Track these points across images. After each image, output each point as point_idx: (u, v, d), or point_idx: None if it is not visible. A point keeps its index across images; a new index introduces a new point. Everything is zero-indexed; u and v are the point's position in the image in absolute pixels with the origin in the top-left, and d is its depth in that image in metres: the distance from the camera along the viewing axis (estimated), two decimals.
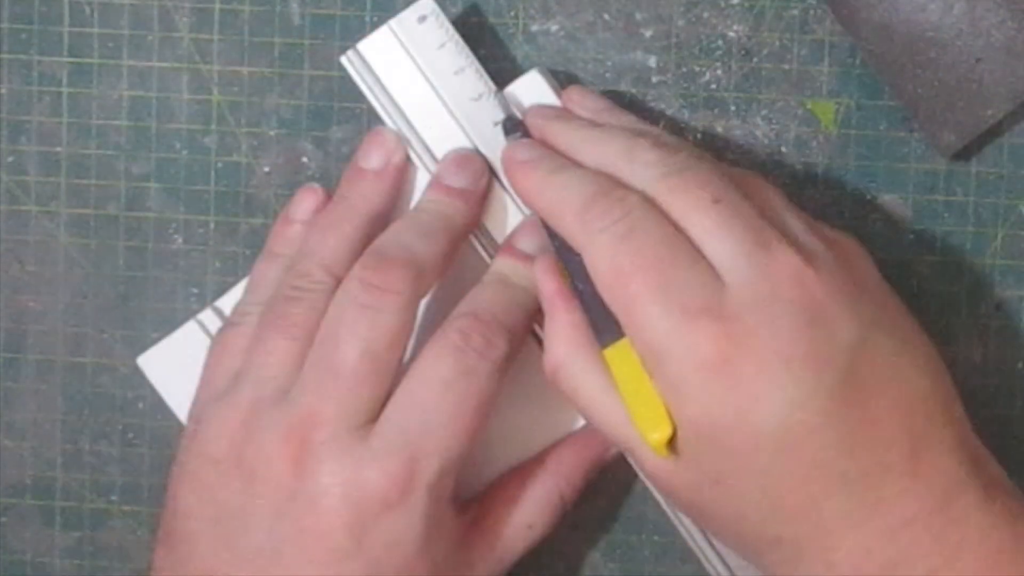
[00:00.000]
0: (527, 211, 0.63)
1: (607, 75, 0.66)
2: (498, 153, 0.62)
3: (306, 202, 0.64)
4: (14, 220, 0.67)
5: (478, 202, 0.62)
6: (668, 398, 0.55)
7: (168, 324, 0.66)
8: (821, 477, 0.54)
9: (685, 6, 0.65)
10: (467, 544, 0.62)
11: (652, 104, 0.66)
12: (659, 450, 0.56)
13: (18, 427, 0.68)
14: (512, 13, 0.66)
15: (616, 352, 0.57)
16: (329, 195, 0.64)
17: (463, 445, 0.58)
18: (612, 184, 0.58)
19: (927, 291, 0.65)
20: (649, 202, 0.57)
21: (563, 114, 0.62)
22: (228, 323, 0.63)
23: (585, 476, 0.64)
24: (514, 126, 0.62)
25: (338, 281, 0.59)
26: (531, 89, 0.63)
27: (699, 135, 0.66)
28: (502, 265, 0.62)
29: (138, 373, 0.66)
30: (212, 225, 0.67)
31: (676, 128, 0.65)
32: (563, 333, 0.59)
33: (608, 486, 0.66)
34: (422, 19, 0.62)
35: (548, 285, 0.60)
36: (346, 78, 0.63)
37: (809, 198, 0.65)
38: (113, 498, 0.68)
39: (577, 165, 0.59)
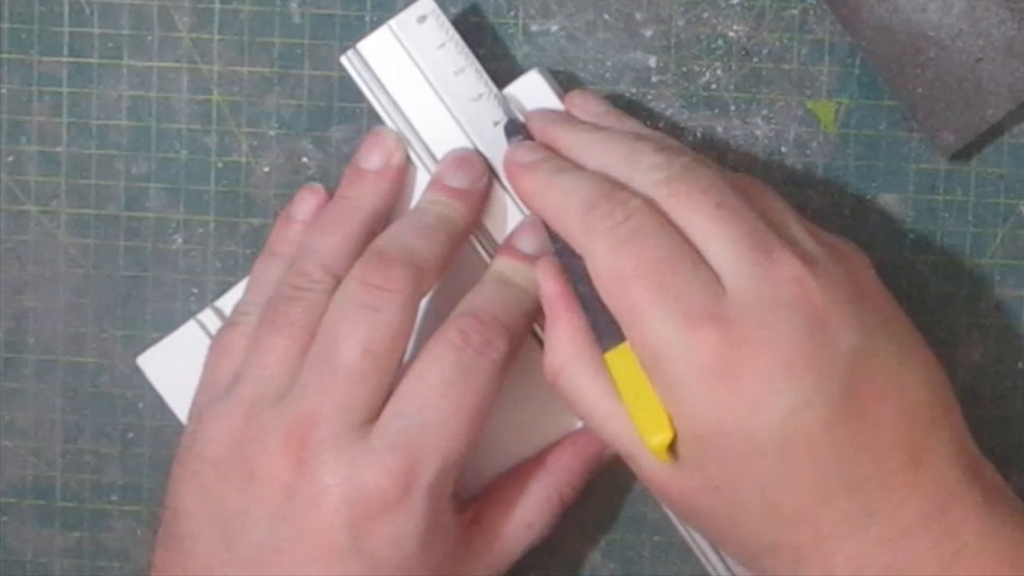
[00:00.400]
0: (527, 211, 0.62)
1: (607, 75, 0.66)
2: (498, 153, 0.62)
3: (307, 202, 0.64)
4: (14, 220, 0.67)
5: (478, 202, 0.62)
6: (669, 403, 0.55)
7: (168, 324, 0.66)
8: (820, 484, 0.54)
9: (685, 6, 0.65)
10: (467, 543, 0.62)
11: (652, 104, 0.66)
12: (660, 455, 0.56)
13: (18, 427, 0.68)
14: (512, 13, 0.66)
15: (617, 356, 0.57)
16: (330, 195, 0.64)
17: (463, 444, 0.58)
18: (614, 187, 0.57)
19: (927, 291, 0.65)
20: (651, 206, 0.57)
21: (565, 117, 0.62)
22: (228, 323, 0.63)
23: (585, 475, 0.64)
24: (516, 129, 0.62)
25: (338, 281, 0.59)
26: (531, 89, 0.63)
27: (699, 135, 0.66)
28: (502, 265, 0.62)
29: (138, 373, 0.66)
30: (212, 225, 0.67)
31: (676, 128, 0.65)
32: (564, 336, 0.59)
33: (608, 486, 0.66)
34: (422, 19, 0.62)
35: (550, 288, 0.60)
36: (346, 78, 0.63)
37: (809, 198, 0.65)
38: (113, 498, 0.68)
39: (579, 168, 0.59)
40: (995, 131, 0.64)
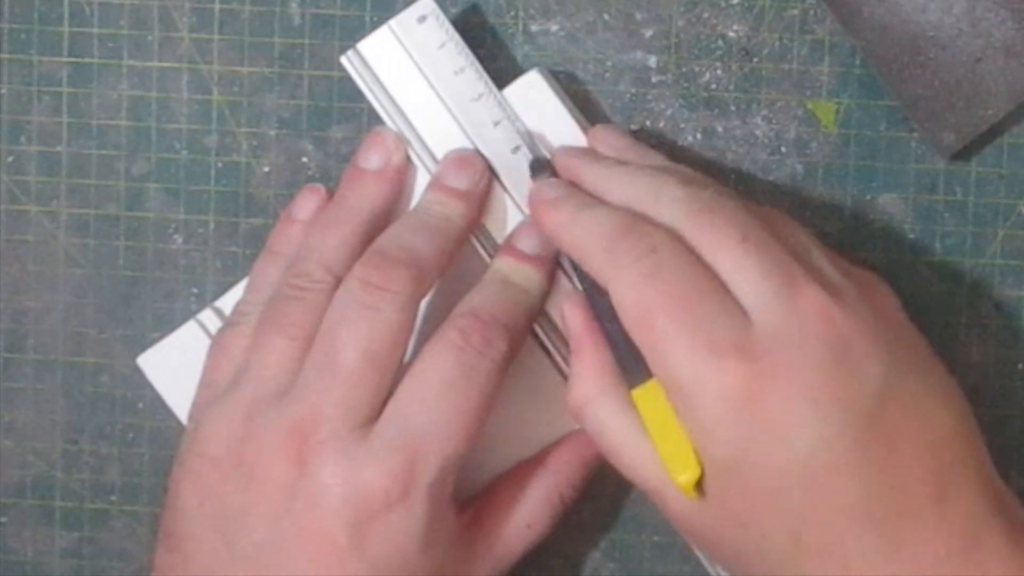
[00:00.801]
0: (527, 211, 0.62)
1: (607, 75, 0.66)
2: (498, 153, 0.62)
3: (308, 202, 0.64)
4: (14, 220, 0.67)
5: (478, 203, 0.62)
6: (695, 436, 0.55)
7: (168, 324, 0.66)
8: (846, 517, 0.54)
9: (685, 6, 0.65)
10: (467, 543, 0.62)
11: (652, 104, 0.66)
12: (687, 492, 0.56)
13: (18, 427, 0.68)
14: (512, 13, 0.66)
15: (644, 393, 0.57)
16: (330, 195, 0.64)
17: (463, 444, 0.58)
18: (638, 220, 0.57)
19: (927, 291, 0.65)
20: (676, 238, 0.57)
21: (589, 153, 0.62)
22: (228, 323, 0.63)
23: (585, 475, 0.64)
24: (541, 166, 0.62)
25: (338, 280, 0.59)
26: (531, 89, 0.63)
27: (699, 135, 0.66)
28: (502, 265, 0.62)
29: (138, 373, 0.66)
30: (212, 225, 0.67)
31: (676, 128, 0.65)
32: (590, 372, 0.59)
33: (608, 486, 0.66)
34: (422, 19, 0.62)
35: (576, 323, 0.60)
36: (346, 78, 0.63)
37: (809, 198, 0.65)
38: (113, 498, 0.68)
39: (603, 203, 0.59)
40: (995, 131, 0.64)
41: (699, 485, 0.56)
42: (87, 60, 0.66)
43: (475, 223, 0.62)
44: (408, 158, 0.63)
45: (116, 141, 0.67)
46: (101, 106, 0.67)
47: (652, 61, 0.66)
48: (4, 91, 0.67)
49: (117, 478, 0.68)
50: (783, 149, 0.66)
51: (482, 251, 0.63)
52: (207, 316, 0.65)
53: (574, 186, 0.61)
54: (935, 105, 0.63)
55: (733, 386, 0.54)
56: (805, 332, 0.55)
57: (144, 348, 0.65)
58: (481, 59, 0.63)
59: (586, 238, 0.58)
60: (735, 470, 0.55)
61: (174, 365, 0.65)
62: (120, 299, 0.67)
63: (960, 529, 0.54)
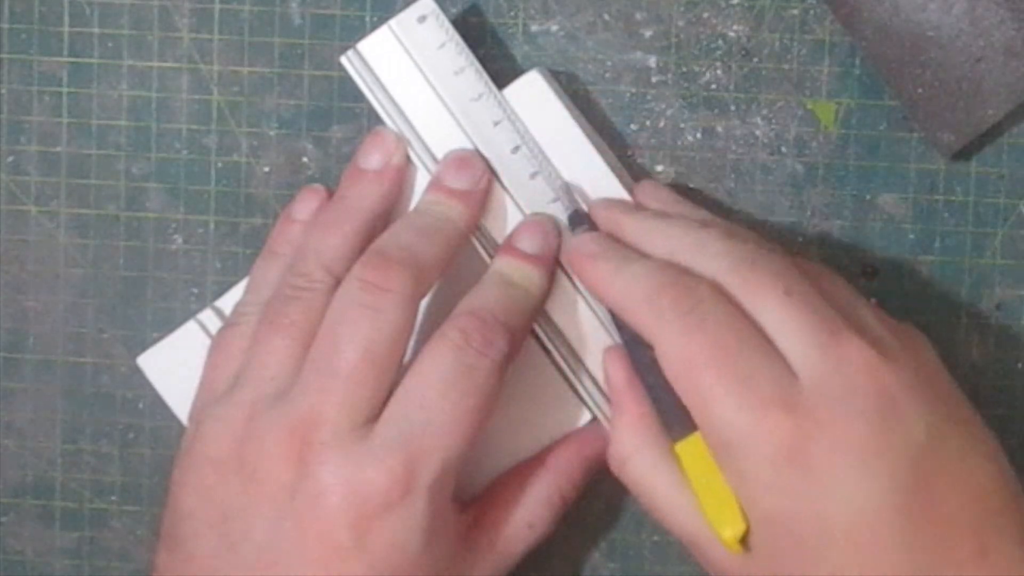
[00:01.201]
0: (528, 211, 0.62)
1: (607, 75, 0.66)
2: (498, 153, 0.62)
3: (308, 202, 0.64)
4: (14, 220, 0.67)
5: (478, 203, 0.62)
6: (740, 491, 0.56)
7: (168, 324, 0.66)
8: (891, 572, 0.54)
9: (685, 6, 0.65)
10: (468, 543, 0.62)
11: (652, 104, 0.66)
12: (732, 547, 0.56)
13: (18, 427, 0.68)
14: (512, 13, 0.66)
15: (688, 447, 0.58)
16: (330, 195, 0.64)
17: (464, 444, 0.58)
18: (681, 273, 0.58)
19: (927, 291, 0.65)
20: (719, 291, 0.57)
21: (629, 205, 0.63)
22: (228, 323, 0.63)
23: (585, 475, 0.64)
24: (580, 219, 0.62)
25: (338, 281, 0.59)
26: (531, 89, 0.63)
27: (699, 135, 0.66)
28: (502, 264, 0.62)
29: (138, 373, 0.65)
30: (212, 225, 0.67)
31: (676, 128, 0.65)
32: (631, 425, 0.59)
33: (608, 486, 0.66)
34: (422, 19, 0.62)
35: (617, 376, 0.60)
36: (346, 78, 0.63)
37: (809, 198, 0.65)
38: (113, 498, 0.68)
39: (645, 256, 0.59)
40: (995, 131, 0.64)
41: (744, 539, 0.56)
42: (87, 60, 0.66)
43: (475, 223, 0.62)
44: (408, 158, 0.63)
45: (116, 141, 0.67)
46: (101, 106, 0.67)
47: (652, 61, 0.66)
48: (4, 91, 0.67)
49: (117, 478, 0.68)
50: (783, 149, 0.66)
51: (482, 251, 0.63)
52: (207, 316, 0.65)
53: (614, 239, 0.61)
54: (935, 105, 0.63)
55: (779, 441, 0.54)
56: (850, 386, 0.55)
57: (144, 348, 0.65)
58: (481, 59, 0.63)
59: (629, 292, 0.58)
60: (780, 524, 0.55)
61: (174, 365, 0.65)
62: (120, 299, 0.67)
63: None
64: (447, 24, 0.62)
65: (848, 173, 0.65)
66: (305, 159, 0.66)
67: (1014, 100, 0.63)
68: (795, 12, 0.65)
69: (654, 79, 0.66)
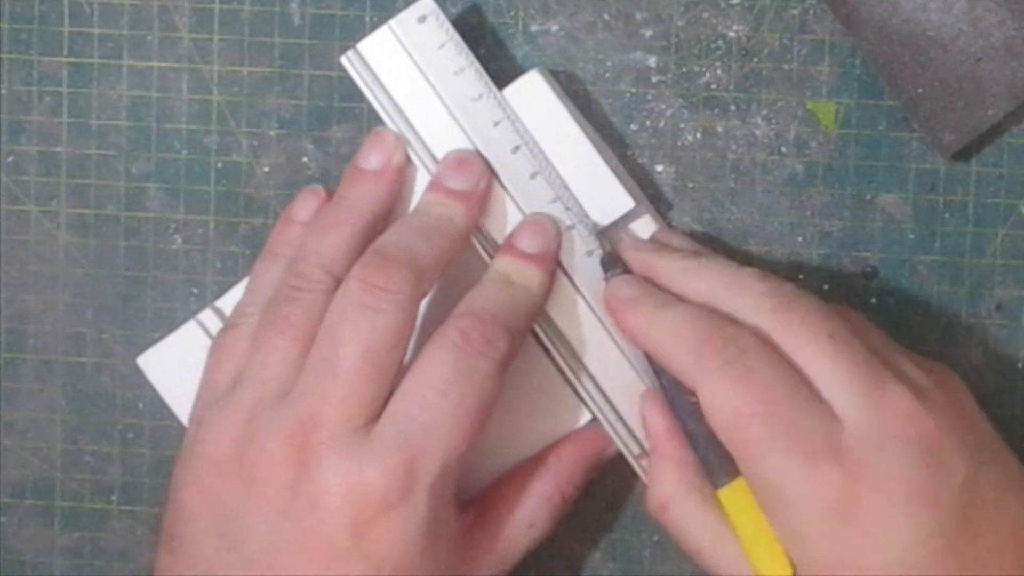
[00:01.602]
0: (527, 211, 0.62)
1: (607, 75, 0.66)
2: (498, 153, 0.62)
3: (308, 203, 0.64)
4: (14, 220, 0.67)
5: (478, 204, 0.62)
6: (787, 539, 0.56)
7: (168, 324, 0.66)
8: None
9: (685, 6, 0.65)
10: (468, 543, 0.62)
11: (652, 104, 0.66)
12: None
13: (18, 427, 0.68)
14: (512, 13, 0.66)
15: (731, 493, 0.58)
16: (330, 196, 0.64)
17: (464, 444, 0.58)
18: (724, 321, 0.58)
19: (927, 291, 0.65)
20: (762, 340, 0.57)
21: (660, 246, 0.63)
22: (228, 324, 0.63)
23: (586, 474, 0.64)
24: (612, 263, 0.62)
25: (337, 281, 0.59)
26: (531, 89, 0.63)
27: (699, 135, 0.66)
28: (502, 264, 0.62)
29: (138, 373, 0.65)
30: (212, 225, 0.67)
31: (676, 128, 0.65)
32: (672, 472, 0.60)
33: (608, 486, 0.66)
34: (422, 19, 0.62)
35: (657, 423, 0.60)
36: (346, 78, 0.63)
37: (809, 198, 0.65)
38: (113, 498, 0.68)
39: (683, 301, 0.59)
40: (995, 131, 0.64)
41: None
42: (87, 60, 0.66)
43: (475, 223, 0.62)
44: (408, 158, 0.63)
45: (116, 141, 0.67)
46: (101, 106, 0.67)
47: (652, 61, 0.66)
48: (4, 91, 0.67)
49: (117, 478, 0.68)
50: (783, 149, 0.66)
51: (482, 251, 0.63)
52: (207, 316, 0.65)
53: (648, 282, 0.61)
54: (935, 105, 0.63)
55: (828, 490, 0.55)
56: (895, 434, 0.55)
57: (144, 348, 0.65)
58: (481, 59, 0.63)
59: (671, 339, 0.58)
60: (829, 571, 0.55)
61: (174, 365, 0.65)
62: (120, 299, 0.67)
63: None
64: (447, 24, 0.62)
65: (848, 173, 0.65)
66: (305, 159, 0.66)
67: (1014, 100, 0.63)
68: (795, 12, 0.65)
69: (654, 79, 0.66)
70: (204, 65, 0.66)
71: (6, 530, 0.68)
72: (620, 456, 0.63)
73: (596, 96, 0.66)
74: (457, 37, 0.63)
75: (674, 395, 0.60)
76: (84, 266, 0.67)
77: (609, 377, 0.63)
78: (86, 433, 0.68)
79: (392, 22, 0.62)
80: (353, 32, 0.65)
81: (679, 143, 0.66)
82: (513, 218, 0.63)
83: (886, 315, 0.65)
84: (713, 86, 0.65)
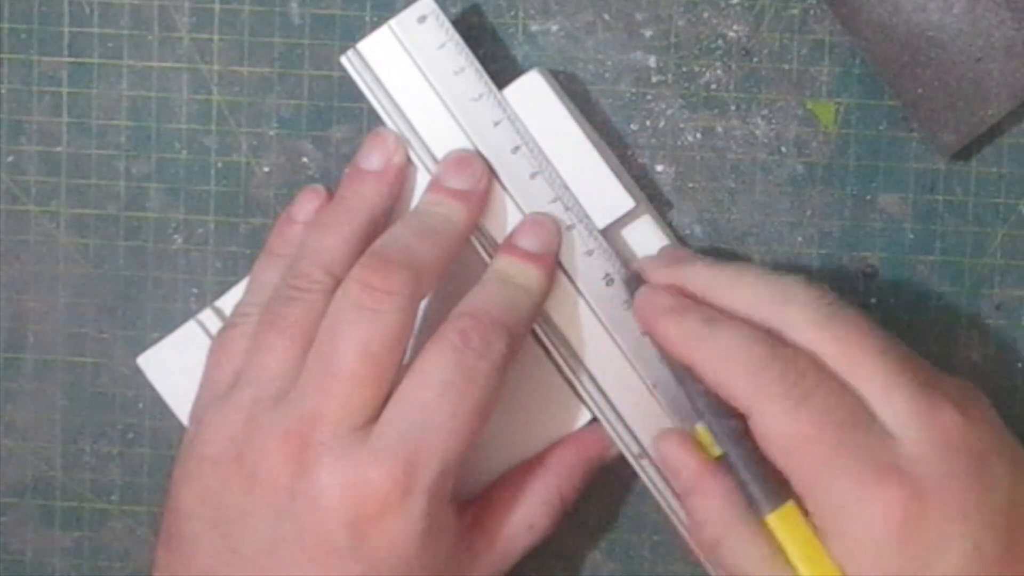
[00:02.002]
0: (527, 211, 0.62)
1: (607, 75, 0.66)
2: (498, 153, 0.62)
3: (309, 203, 0.64)
4: (14, 220, 0.67)
5: (478, 203, 0.62)
6: (846, 560, 0.56)
7: (168, 324, 0.66)
8: None
9: (685, 6, 0.65)
10: (468, 544, 0.62)
11: (652, 104, 0.66)
12: None
13: (18, 427, 0.68)
14: (512, 13, 0.66)
15: (781, 518, 0.57)
16: (331, 196, 0.64)
17: (463, 445, 0.58)
18: (777, 342, 0.57)
19: (927, 291, 0.65)
20: (818, 361, 0.57)
21: (686, 256, 0.62)
22: (228, 324, 0.63)
23: (586, 476, 0.64)
24: (637, 282, 0.62)
25: (337, 281, 0.59)
26: (531, 89, 0.63)
27: (699, 135, 0.66)
28: (502, 264, 0.62)
29: (138, 373, 0.65)
30: (212, 225, 0.67)
31: (676, 128, 0.65)
32: (718, 508, 0.59)
33: (608, 486, 0.66)
34: (422, 19, 0.62)
35: (689, 462, 0.60)
36: (346, 78, 0.63)
37: (809, 198, 0.65)
38: (113, 498, 0.68)
39: (729, 317, 0.58)
40: (995, 131, 0.64)
41: None
42: (87, 60, 0.66)
43: (475, 223, 0.62)
44: (408, 158, 0.63)
45: (116, 141, 0.67)
46: (101, 106, 0.67)
47: (652, 61, 0.66)
48: (4, 91, 0.67)
49: (117, 478, 0.68)
50: (783, 149, 0.66)
51: (482, 251, 0.63)
52: (207, 316, 0.65)
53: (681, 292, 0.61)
54: (935, 105, 0.63)
55: (893, 509, 0.55)
56: (948, 450, 0.55)
57: (144, 348, 0.65)
58: (481, 59, 0.63)
59: (722, 361, 0.57)
60: None
61: (174, 365, 0.65)
62: (120, 299, 0.67)
63: None
64: (447, 24, 0.62)
65: (848, 173, 0.65)
66: (305, 159, 0.66)
67: (1014, 100, 0.63)
68: (795, 12, 0.65)
69: (654, 79, 0.66)
70: (204, 65, 0.66)
71: (6, 530, 0.68)
72: (620, 456, 0.63)
73: (596, 96, 0.66)
74: (457, 37, 0.62)
75: (714, 419, 0.59)
76: (84, 266, 0.67)
77: (609, 377, 0.63)
78: (86, 433, 0.68)
79: (392, 22, 0.62)
80: (353, 32, 0.65)
81: (679, 143, 0.66)
82: (513, 218, 0.63)
83: (886, 315, 0.65)
84: (713, 86, 0.65)
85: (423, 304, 0.60)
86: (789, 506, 0.57)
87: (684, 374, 0.59)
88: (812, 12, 0.65)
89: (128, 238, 0.67)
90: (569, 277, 0.62)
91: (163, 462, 0.67)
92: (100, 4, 0.66)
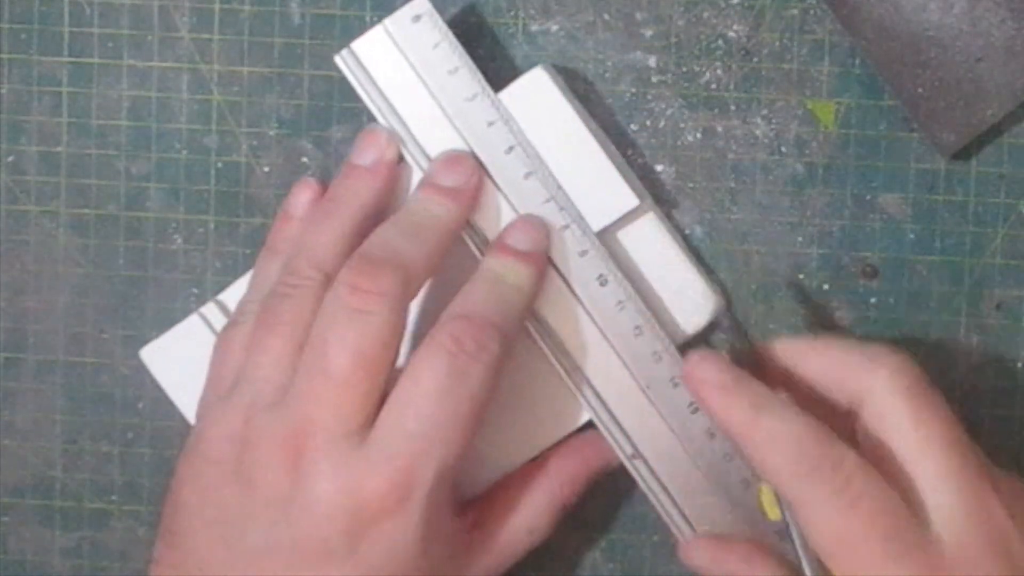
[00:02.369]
0: (521, 211, 0.62)
1: (607, 75, 0.66)
2: (492, 153, 0.62)
3: (302, 196, 0.64)
4: (14, 220, 0.67)
5: (469, 200, 0.62)
6: None
7: (168, 324, 0.66)
8: None
9: (685, 6, 0.65)
10: (466, 547, 0.62)
11: (652, 104, 0.66)
12: None
13: (18, 427, 0.68)
14: (512, 13, 0.66)
15: None
16: (325, 188, 0.64)
17: (459, 449, 0.58)
18: (829, 440, 0.57)
19: (927, 291, 0.65)
20: (866, 464, 0.57)
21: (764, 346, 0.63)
22: (231, 321, 0.63)
23: (587, 481, 0.64)
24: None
25: (329, 278, 0.59)
26: (535, 86, 0.63)
27: (699, 135, 0.65)
28: (493, 263, 0.61)
29: (138, 373, 0.66)
30: (212, 225, 0.67)
31: (676, 128, 0.65)
32: None
33: (608, 486, 0.66)
34: (416, 19, 0.62)
35: (740, 568, 0.60)
36: (346, 78, 0.63)
37: (809, 198, 0.65)
38: (113, 498, 0.68)
39: (781, 403, 0.58)
40: (995, 131, 0.64)
41: None
42: (87, 60, 0.66)
43: (465, 220, 0.62)
44: (401, 155, 0.63)
45: (116, 141, 0.67)
46: (101, 106, 0.67)
47: (652, 61, 0.65)
48: (4, 91, 0.67)
49: (117, 478, 0.68)
50: (783, 149, 0.65)
51: (477, 252, 0.63)
52: (209, 309, 0.65)
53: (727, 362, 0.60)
54: (935, 105, 0.63)
55: None
56: (994, 556, 0.56)
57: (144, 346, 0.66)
58: (481, 59, 0.63)
59: (772, 449, 0.57)
60: None
61: (176, 358, 0.65)
62: (120, 299, 0.67)
63: None
64: (441, 24, 0.62)
65: (848, 173, 0.65)
66: (305, 159, 0.66)
67: (1014, 100, 0.63)
68: (795, 12, 0.65)
69: (654, 79, 0.66)
70: (204, 65, 0.66)
71: (6, 530, 0.68)
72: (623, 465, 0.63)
73: (596, 96, 0.66)
74: (451, 37, 0.62)
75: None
76: (84, 266, 0.67)
77: (602, 377, 0.62)
78: (86, 433, 0.68)
79: (386, 21, 0.62)
80: (353, 32, 0.65)
81: (679, 143, 0.66)
82: (507, 218, 0.62)
83: (886, 315, 0.65)
84: (713, 86, 0.65)
85: (415, 303, 0.60)
86: None
87: None
88: (812, 12, 0.65)
89: (128, 238, 0.67)
90: (563, 278, 0.62)
91: (163, 462, 0.67)
92: (100, 4, 0.66)
